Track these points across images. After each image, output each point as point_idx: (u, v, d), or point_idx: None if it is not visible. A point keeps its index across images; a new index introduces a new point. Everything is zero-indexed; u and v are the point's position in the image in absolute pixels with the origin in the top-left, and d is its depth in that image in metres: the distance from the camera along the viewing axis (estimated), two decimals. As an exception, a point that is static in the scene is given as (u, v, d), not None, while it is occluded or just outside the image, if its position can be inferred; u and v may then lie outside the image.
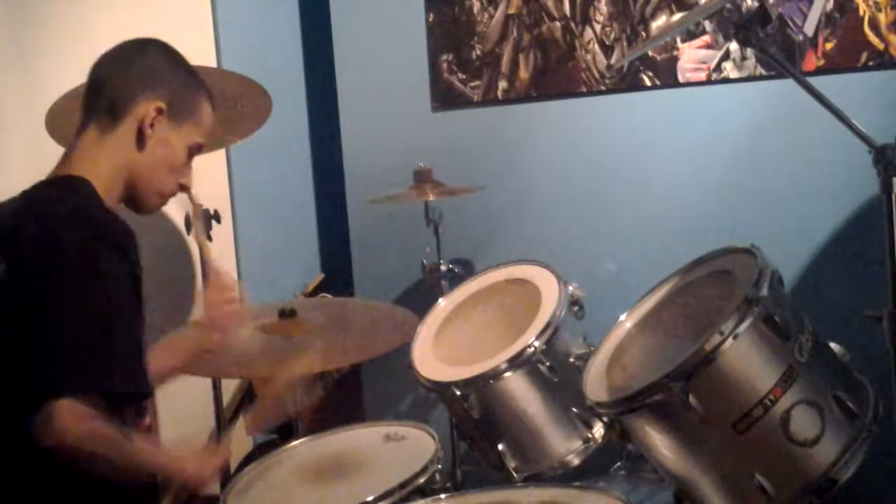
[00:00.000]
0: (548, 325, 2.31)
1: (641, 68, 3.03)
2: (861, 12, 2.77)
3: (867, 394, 1.88)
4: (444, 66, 3.28)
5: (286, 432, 2.54)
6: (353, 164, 3.42)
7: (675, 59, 2.99)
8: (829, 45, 2.81)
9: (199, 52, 3.16)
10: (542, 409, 2.32)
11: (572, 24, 3.10)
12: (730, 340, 1.77)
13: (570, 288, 2.41)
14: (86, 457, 1.60)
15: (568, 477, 2.30)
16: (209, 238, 2.84)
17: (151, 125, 1.80)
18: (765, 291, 1.80)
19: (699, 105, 2.99)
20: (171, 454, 1.84)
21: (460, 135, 3.29)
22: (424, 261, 2.97)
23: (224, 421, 3.00)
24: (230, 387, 3.23)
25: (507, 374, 2.29)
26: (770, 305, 1.79)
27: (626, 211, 3.08)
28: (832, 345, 1.95)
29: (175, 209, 2.92)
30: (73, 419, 1.56)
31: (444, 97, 3.29)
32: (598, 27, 3.07)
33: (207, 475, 1.80)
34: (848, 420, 1.80)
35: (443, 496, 2.01)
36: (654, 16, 3.01)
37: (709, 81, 2.96)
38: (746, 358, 1.79)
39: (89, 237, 1.64)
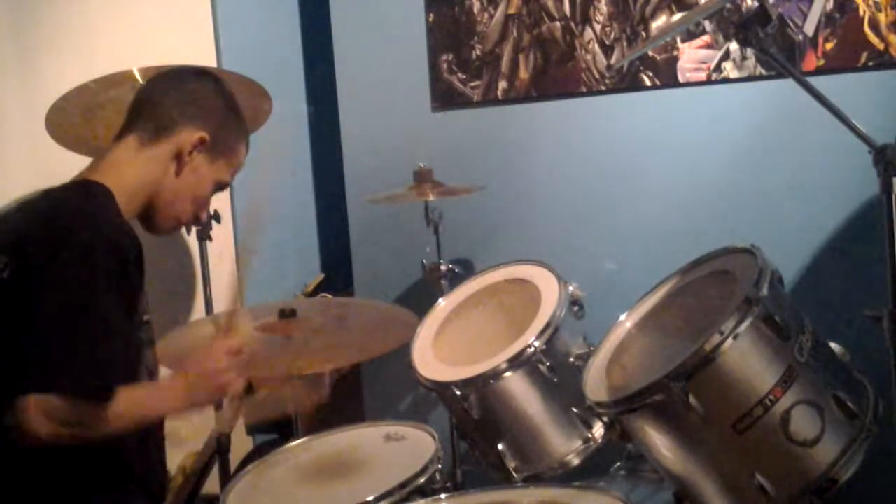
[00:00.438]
0: (548, 325, 2.31)
1: (641, 68, 3.03)
2: (861, 12, 2.77)
3: (867, 394, 1.88)
4: (444, 66, 3.28)
5: (286, 432, 2.54)
6: (353, 164, 3.42)
7: (675, 59, 2.99)
8: (829, 45, 2.81)
9: (199, 52, 3.18)
10: (542, 409, 2.32)
11: (572, 24, 3.10)
12: (730, 340, 1.77)
13: (570, 288, 2.41)
14: (74, 442, 1.62)
15: (568, 477, 2.30)
16: (209, 238, 2.85)
17: (190, 153, 1.84)
18: (765, 291, 1.80)
19: (699, 105, 2.98)
20: (174, 386, 1.80)
21: (460, 135, 3.28)
22: (424, 261, 2.97)
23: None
24: (230, 387, 3.23)
25: (507, 374, 2.29)
26: (770, 305, 1.79)
27: (626, 211, 3.08)
28: (832, 345, 1.95)
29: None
30: (44, 416, 1.57)
31: (444, 97, 3.29)
32: (598, 27, 3.07)
33: (226, 375, 1.78)
34: (848, 420, 1.80)
35: (443, 496, 2.01)
36: (654, 16, 3.01)
37: (709, 81, 2.96)
38: (746, 358, 1.79)
39: (84, 242, 1.65)
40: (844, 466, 1.78)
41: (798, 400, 1.77)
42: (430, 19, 3.28)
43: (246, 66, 2.92)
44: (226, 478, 2.80)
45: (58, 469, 1.67)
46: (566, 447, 2.32)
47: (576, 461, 2.31)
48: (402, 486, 2.00)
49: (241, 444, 3.26)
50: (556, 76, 3.14)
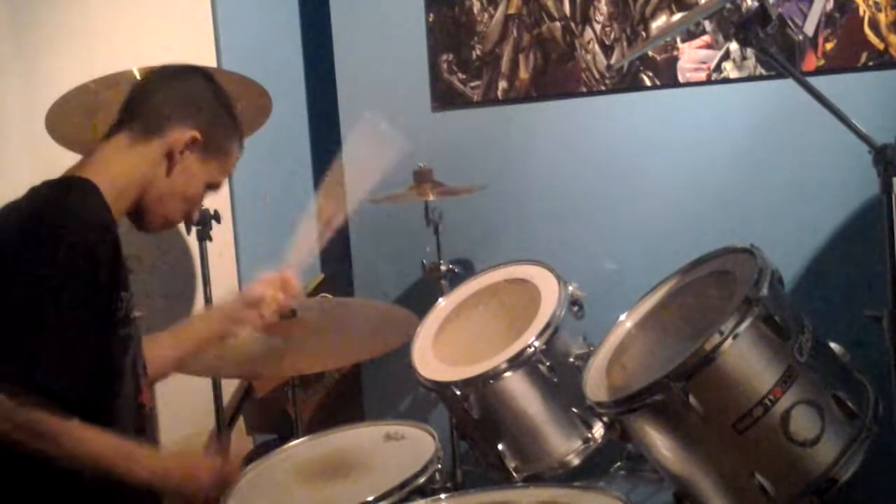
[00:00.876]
0: (548, 325, 2.31)
1: (641, 68, 3.03)
2: (861, 12, 2.77)
3: (867, 394, 1.88)
4: (444, 66, 3.28)
5: (286, 432, 2.54)
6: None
7: (675, 59, 2.99)
8: (829, 45, 2.81)
9: (199, 52, 3.18)
10: (542, 409, 2.32)
11: (572, 24, 3.10)
12: (730, 340, 1.77)
13: (570, 288, 2.41)
14: (19, 445, 1.58)
15: (568, 477, 2.31)
16: (209, 238, 2.85)
17: (182, 151, 1.82)
18: (765, 291, 1.80)
19: (699, 105, 2.98)
20: (152, 454, 1.76)
21: (460, 135, 3.28)
22: (424, 261, 2.97)
23: (224, 421, 3.00)
24: (230, 387, 3.23)
25: (507, 374, 2.29)
26: (770, 305, 1.79)
27: (626, 211, 3.08)
28: (832, 345, 1.95)
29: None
30: None
31: (444, 97, 3.29)
32: (598, 27, 3.07)
33: (205, 485, 1.74)
34: (848, 420, 1.80)
35: (443, 496, 2.01)
36: (654, 16, 3.01)
37: (709, 81, 2.96)
38: (746, 358, 1.79)
39: (57, 238, 1.63)
40: (844, 466, 1.78)
41: (798, 400, 1.77)
42: (430, 19, 3.28)
43: (246, 66, 2.92)
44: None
45: (48, 469, 1.66)
46: (566, 447, 2.32)
47: (576, 461, 2.31)
48: (402, 486, 2.00)
49: (241, 444, 3.26)
50: (556, 76, 3.14)
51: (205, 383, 2.91)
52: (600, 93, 3.10)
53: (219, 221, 2.85)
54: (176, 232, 3.04)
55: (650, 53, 3.00)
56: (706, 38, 2.95)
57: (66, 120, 2.63)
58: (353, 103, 3.41)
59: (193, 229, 2.83)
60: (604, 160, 3.11)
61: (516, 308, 2.47)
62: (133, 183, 1.81)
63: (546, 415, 2.32)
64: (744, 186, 2.93)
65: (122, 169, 1.80)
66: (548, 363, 2.28)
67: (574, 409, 2.29)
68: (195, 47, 3.16)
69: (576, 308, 2.39)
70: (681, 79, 2.99)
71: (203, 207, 2.80)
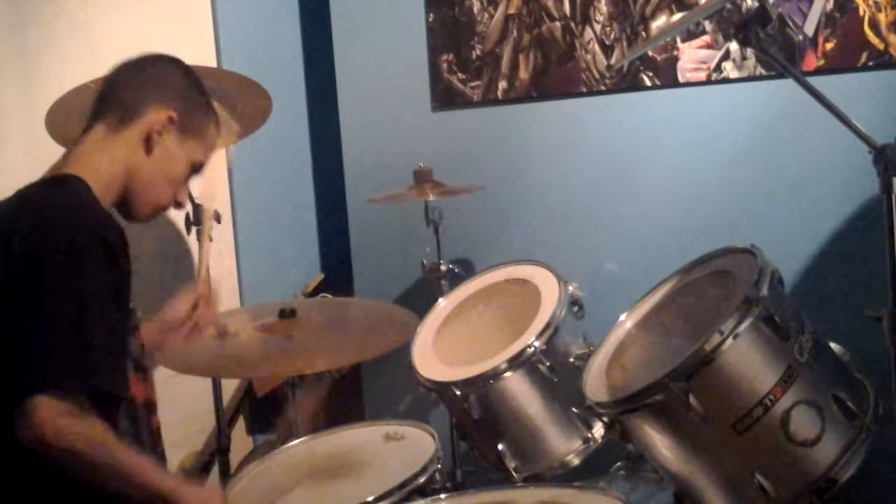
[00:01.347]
0: (548, 325, 2.31)
1: (641, 68, 3.03)
2: (861, 12, 2.77)
3: (867, 394, 1.88)
4: (444, 66, 3.28)
5: (286, 432, 2.54)
6: (353, 164, 3.42)
7: (675, 59, 2.99)
8: (829, 45, 2.81)
9: (199, 52, 3.18)
10: (542, 409, 2.32)
11: (572, 24, 3.10)
12: (730, 340, 1.77)
13: (570, 288, 2.41)
14: (68, 455, 1.59)
15: (568, 477, 2.31)
16: (209, 238, 2.85)
17: (160, 133, 1.82)
18: (765, 291, 1.80)
19: (699, 105, 2.98)
20: (172, 477, 1.81)
21: (460, 135, 3.28)
22: (424, 261, 2.97)
23: (224, 421, 3.00)
24: (230, 387, 3.23)
25: (507, 374, 2.29)
26: (770, 305, 1.79)
27: (626, 211, 3.08)
28: (832, 345, 1.95)
29: (174, 209, 2.92)
30: (50, 415, 1.56)
31: (444, 97, 3.29)
32: (598, 27, 3.07)
33: None
34: (848, 420, 1.80)
35: (443, 496, 2.01)
36: (654, 16, 3.01)
37: (709, 81, 2.96)
38: (746, 358, 1.79)
39: (74, 236, 1.64)
40: (844, 466, 1.78)
41: (798, 400, 1.77)
42: (430, 19, 3.28)
43: (246, 66, 2.92)
44: (226, 478, 2.80)
45: (51, 469, 1.66)
46: (566, 447, 2.32)
47: (576, 461, 2.31)
48: (402, 486, 2.00)
49: (241, 444, 3.27)
50: (556, 76, 3.14)
51: (205, 383, 2.91)
52: (600, 93, 3.10)
53: (219, 221, 2.85)
54: (176, 232, 3.04)
55: (650, 53, 3.00)
56: (706, 38, 2.95)
57: (66, 120, 2.63)
58: (353, 103, 3.41)
59: (193, 229, 2.83)
60: (604, 160, 3.11)
61: (516, 308, 2.47)
62: (116, 173, 1.80)
63: (546, 415, 2.32)
64: (744, 186, 2.93)
65: (103, 161, 1.80)
66: (548, 363, 2.28)
67: (574, 409, 2.29)
68: (195, 47, 3.16)
69: (576, 308, 2.39)
70: (681, 79, 2.99)
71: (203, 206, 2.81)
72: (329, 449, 2.29)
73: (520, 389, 2.31)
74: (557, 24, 3.12)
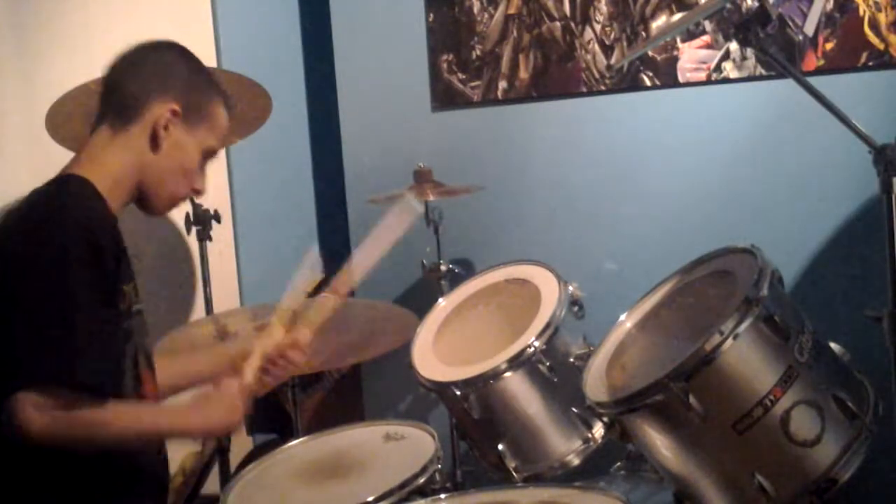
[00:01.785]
0: (548, 325, 2.31)
1: (641, 68, 3.03)
2: (861, 12, 2.77)
3: (867, 394, 1.88)
4: (444, 66, 3.28)
5: (286, 432, 2.54)
6: (353, 164, 3.42)
7: (675, 59, 2.99)
8: (829, 45, 2.81)
9: (199, 52, 3.14)
10: (542, 409, 2.32)
11: (572, 24, 3.10)
12: (730, 340, 1.77)
13: (570, 288, 2.41)
14: (67, 443, 1.61)
15: (568, 477, 2.30)
16: (209, 238, 2.85)
17: (166, 127, 1.80)
18: (765, 291, 1.80)
19: (699, 105, 2.98)
20: (181, 408, 1.83)
21: (460, 135, 3.28)
22: (424, 261, 2.97)
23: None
24: (230, 387, 3.22)
25: (507, 374, 2.29)
26: (770, 305, 1.79)
27: (626, 211, 3.08)
28: (832, 345, 1.95)
29: (175, 209, 2.92)
30: (34, 410, 1.57)
31: (444, 97, 3.29)
32: (598, 27, 3.07)
33: (237, 416, 1.79)
34: (848, 420, 1.80)
35: (443, 496, 2.01)
36: (654, 16, 3.01)
37: (709, 81, 2.96)
38: (746, 358, 1.79)
39: (62, 236, 1.64)
40: (844, 466, 1.78)
41: (798, 400, 1.77)
42: (430, 19, 3.28)
43: (246, 66, 2.92)
44: (226, 478, 2.80)
45: (56, 468, 1.67)
46: (566, 447, 2.31)
47: (576, 461, 2.31)
48: (402, 486, 2.00)
49: (241, 444, 3.26)
50: (556, 76, 3.14)
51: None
52: (600, 93, 3.10)
53: (219, 221, 2.85)
54: (176, 232, 3.04)
55: (650, 53, 3.00)
56: (706, 38, 2.95)
57: (66, 120, 2.63)
58: (353, 103, 3.41)
59: (193, 229, 2.83)
60: (604, 160, 3.11)
61: (516, 308, 2.47)
62: (127, 171, 1.79)
63: (546, 415, 2.32)
64: (744, 186, 2.93)
65: (111, 160, 1.79)
66: (548, 363, 2.28)
67: (574, 409, 2.29)
68: (195, 47, 3.12)
69: (576, 308, 2.39)
70: (681, 79, 2.99)
71: (203, 207, 2.82)
72: (329, 449, 2.29)
73: (520, 389, 2.31)
74: (557, 24, 3.12)
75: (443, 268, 2.92)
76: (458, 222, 3.06)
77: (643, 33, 3.02)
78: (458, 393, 2.31)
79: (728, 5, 2.78)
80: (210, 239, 2.85)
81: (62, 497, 1.70)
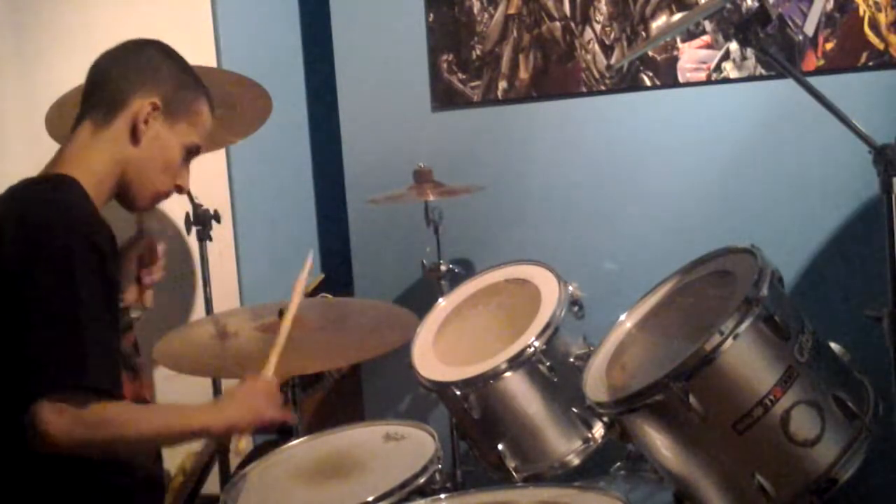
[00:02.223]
0: (548, 325, 2.31)
1: (641, 68, 3.03)
2: (861, 12, 2.77)
3: (867, 394, 1.88)
4: (444, 66, 3.28)
5: (286, 432, 2.54)
6: (353, 164, 3.42)
7: (675, 59, 2.99)
8: (829, 45, 2.81)
9: (199, 52, 3.17)
10: (542, 409, 2.32)
11: (572, 24, 3.10)
12: (730, 340, 1.76)
13: (570, 288, 2.41)
14: (90, 447, 1.61)
15: (568, 477, 2.30)
16: (209, 238, 2.85)
17: (146, 121, 1.79)
18: (765, 291, 1.80)
19: (699, 105, 2.99)
20: (198, 411, 1.83)
21: (460, 135, 3.28)
22: (424, 261, 2.97)
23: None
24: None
25: (507, 374, 2.29)
26: (770, 305, 1.79)
27: (625, 211, 3.08)
28: (832, 345, 1.95)
29: (175, 209, 2.93)
30: (55, 416, 1.56)
31: (444, 97, 3.29)
32: (598, 27, 3.07)
33: (267, 407, 1.81)
34: (848, 420, 1.80)
35: (443, 496, 2.01)
36: (654, 16, 3.01)
37: (709, 81, 2.96)
38: (746, 358, 1.79)
39: (66, 239, 1.64)
40: (844, 466, 1.78)
41: (798, 400, 1.77)
42: (430, 19, 3.28)
43: (246, 66, 2.92)
44: (226, 478, 2.80)
45: (54, 469, 1.67)
46: (566, 447, 2.31)
47: (576, 461, 2.31)
48: (402, 486, 1.99)
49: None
50: (556, 76, 3.14)
51: (205, 383, 2.91)
52: (600, 93, 3.10)
53: (219, 221, 2.85)
54: (176, 232, 3.04)
55: (650, 53, 3.00)
56: (706, 38, 2.95)
57: (66, 120, 2.62)
58: (353, 103, 3.41)
59: (193, 229, 2.83)
60: (604, 160, 3.11)
61: (516, 308, 2.47)
62: (108, 168, 1.79)
63: (546, 415, 2.32)
64: (744, 186, 2.93)
65: (95, 156, 1.79)
66: (548, 363, 2.28)
67: (574, 409, 2.29)
68: (195, 47, 3.15)
69: (576, 308, 2.39)
70: (681, 79, 2.99)
71: (203, 207, 2.82)
72: (329, 449, 2.28)
73: (520, 389, 2.31)
74: (557, 24, 3.12)
75: (443, 268, 2.92)
76: (458, 222, 3.06)
77: (643, 33, 3.02)
78: (458, 393, 2.31)
79: (728, 5, 2.78)
80: (210, 239, 2.85)
81: (60, 497, 1.70)
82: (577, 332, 2.39)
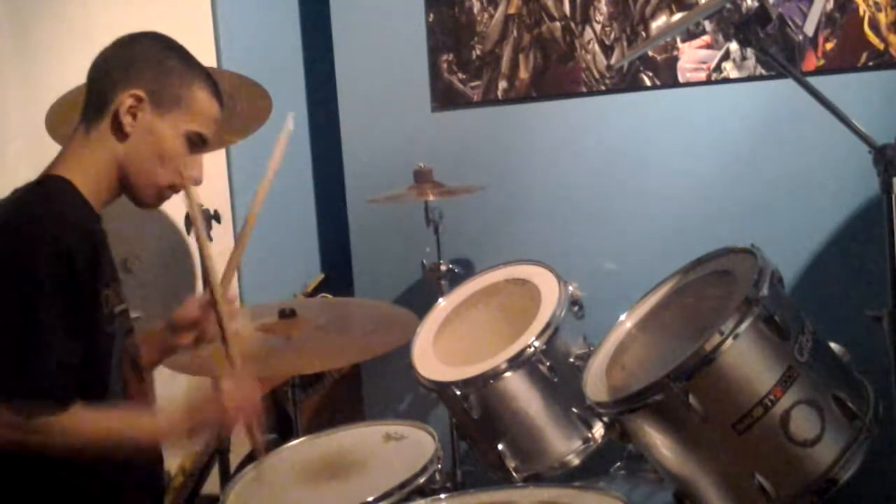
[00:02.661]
0: (548, 325, 2.31)
1: (641, 68, 3.03)
2: (861, 12, 2.77)
3: (867, 394, 1.88)
4: (444, 66, 3.28)
5: (286, 432, 2.54)
6: (353, 164, 3.42)
7: (675, 59, 2.99)
8: (829, 45, 2.81)
9: (199, 52, 3.14)
10: (542, 409, 2.32)
11: (572, 24, 3.10)
12: (730, 340, 1.77)
13: (570, 288, 2.41)
14: (45, 451, 1.60)
15: (568, 477, 2.30)
16: (209, 238, 2.85)
17: (132, 115, 1.75)
18: (765, 291, 1.80)
19: (699, 105, 2.99)
20: (163, 416, 1.80)
21: (460, 135, 3.28)
22: (424, 261, 2.97)
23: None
24: (230, 387, 3.22)
25: (507, 374, 2.29)
26: (770, 305, 1.79)
27: (625, 211, 3.08)
28: (832, 345, 1.95)
29: (175, 209, 2.93)
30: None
31: (444, 97, 3.29)
32: (598, 27, 3.07)
33: (233, 410, 1.79)
34: (848, 420, 1.80)
35: (443, 496, 2.01)
36: (654, 16, 3.01)
37: (709, 81, 2.96)
38: (746, 358, 1.79)
39: (22, 247, 1.62)
40: (844, 466, 1.78)
41: (798, 400, 1.77)
42: (430, 19, 3.28)
43: (246, 66, 2.92)
44: (226, 478, 2.80)
45: (52, 468, 1.66)
46: (566, 447, 2.31)
47: (576, 461, 2.31)
48: (402, 486, 1.99)
49: (241, 444, 3.26)
50: (556, 76, 3.14)
51: (205, 383, 2.91)
52: (600, 93, 3.11)
53: (219, 221, 2.85)
54: (176, 232, 3.04)
55: (650, 53, 3.00)
56: (706, 38, 2.95)
57: (66, 120, 2.63)
58: (353, 103, 3.41)
59: (193, 229, 2.83)
60: (604, 160, 3.11)
61: (516, 308, 2.47)
62: (105, 166, 1.77)
63: (546, 415, 2.32)
64: (744, 186, 2.93)
65: (89, 157, 1.76)
66: (548, 363, 2.28)
67: (574, 409, 2.29)
68: (195, 47, 3.12)
69: (576, 308, 2.39)
70: (681, 79, 2.99)
71: (203, 207, 2.81)
72: (329, 449, 2.28)
73: (520, 389, 2.31)
74: (557, 24, 3.12)
75: (443, 268, 2.92)
76: (458, 222, 3.06)
77: (643, 33, 3.02)
78: (458, 393, 2.31)
79: (728, 5, 2.78)
80: (210, 239, 2.85)
81: (59, 497, 1.70)
82: (577, 332, 2.39)
